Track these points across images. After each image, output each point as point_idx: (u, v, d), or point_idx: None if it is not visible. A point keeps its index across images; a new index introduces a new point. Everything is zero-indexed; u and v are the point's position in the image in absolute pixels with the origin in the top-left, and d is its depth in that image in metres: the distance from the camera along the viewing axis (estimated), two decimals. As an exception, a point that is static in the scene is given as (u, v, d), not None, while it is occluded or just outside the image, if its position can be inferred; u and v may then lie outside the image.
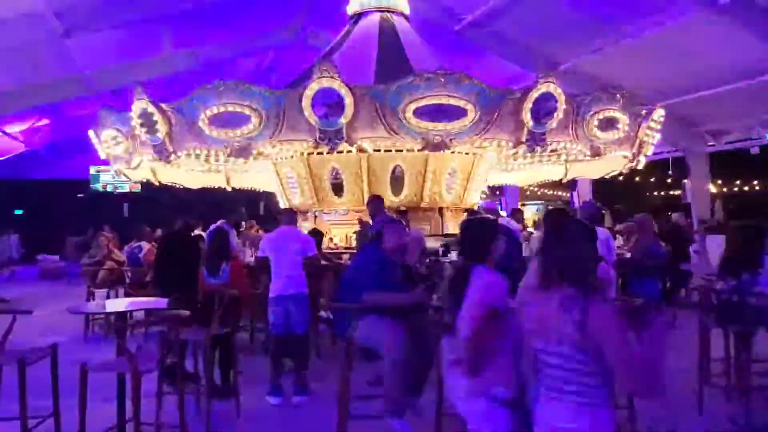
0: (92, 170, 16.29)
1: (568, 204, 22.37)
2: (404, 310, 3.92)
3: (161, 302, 4.20)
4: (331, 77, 6.72)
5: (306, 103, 6.79)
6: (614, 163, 11.35)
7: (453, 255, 8.16)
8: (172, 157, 7.75)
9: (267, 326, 5.61)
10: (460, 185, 10.23)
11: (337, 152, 9.28)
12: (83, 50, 12.78)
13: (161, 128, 7.50)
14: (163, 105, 7.53)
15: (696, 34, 11.54)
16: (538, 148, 7.43)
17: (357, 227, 9.87)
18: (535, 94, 6.99)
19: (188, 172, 11.91)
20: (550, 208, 15.70)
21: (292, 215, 5.69)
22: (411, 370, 3.79)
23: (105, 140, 8.78)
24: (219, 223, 7.10)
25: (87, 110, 16.32)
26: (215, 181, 13.09)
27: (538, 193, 29.74)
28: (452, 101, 6.79)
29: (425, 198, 9.79)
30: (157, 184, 11.46)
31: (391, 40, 10.49)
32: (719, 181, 20.47)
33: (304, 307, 5.15)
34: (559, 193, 30.46)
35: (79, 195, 22.08)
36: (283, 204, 10.95)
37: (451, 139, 7.02)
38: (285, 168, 10.26)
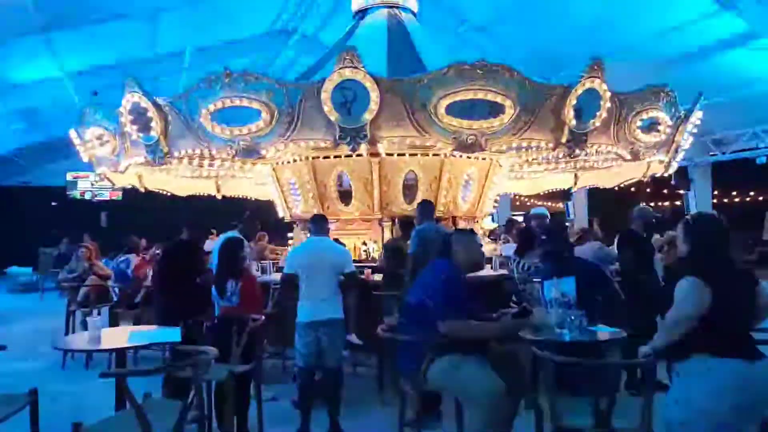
0: (69, 176, 15.17)
1: (563, 214, 21.75)
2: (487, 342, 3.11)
3: (172, 333, 3.32)
4: (355, 68, 5.91)
5: (326, 96, 5.96)
6: (633, 171, 10.74)
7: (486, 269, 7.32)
8: (167, 158, 6.85)
9: (280, 353, 4.74)
10: (476, 193, 9.51)
11: (346, 156, 8.56)
12: (65, 46, 11.85)
13: (156, 125, 6.60)
14: (158, 99, 6.64)
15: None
16: (578, 151, 6.69)
17: (367, 237, 9.12)
18: (579, 90, 6.25)
19: (176, 179, 11.04)
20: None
21: (322, 222, 4.82)
22: (501, 415, 2.96)
23: (89, 140, 7.83)
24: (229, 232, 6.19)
25: (66, 112, 15.33)
26: (205, 188, 12.21)
27: (528, 203, 29.17)
28: (490, 96, 6.02)
29: (440, 206, 8.99)
30: (142, 190, 10.56)
31: (400, 36, 9.73)
32: (715, 192, 20.15)
33: (340, 336, 4.30)
34: (548, 203, 29.95)
35: (53, 203, 20.95)
36: (282, 213, 10.08)
37: (486, 139, 6.25)
38: (286, 173, 9.40)
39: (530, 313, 3.16)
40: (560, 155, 7.60)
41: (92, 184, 15.14)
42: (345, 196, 8.86)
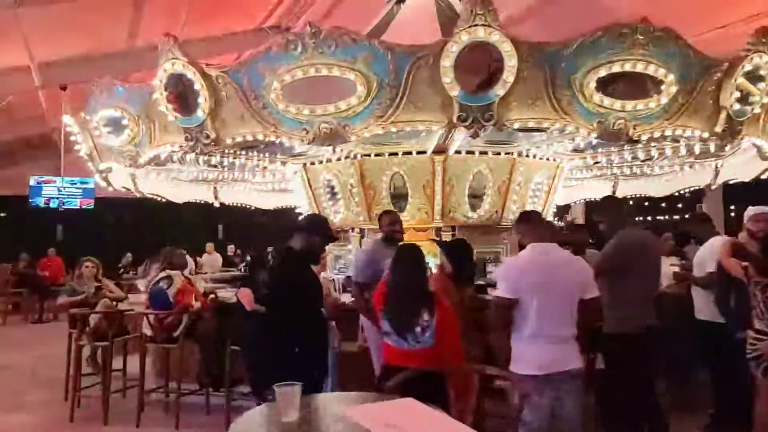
0: (33, 181, 13.11)
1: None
2: None
3: (412, 407, 1.84)
4: (488, 26, 4.52)
5: (447, 65, 4.56)
6: (696, 178, 9.78)
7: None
8: (213, 146, 5.24)
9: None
10: (543, 200, 8.29)
11: (404, 153, 7.24)
12: (36, 29, 9.96)
13: (204, 103, 5.02)
14: (206, 68, 5.07)
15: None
16: (728, 145, 5.50)
17: (424, 250, 7.72)
18: (747, 66, 5.05)
19: (173, 183, 9.43)
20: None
21: (540, 222, 3.32)
22: None
23: (96, 127, 6.13)
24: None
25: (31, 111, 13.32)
26: (202, 194, 10.63)
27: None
28: (650, 69, 4.75)
29: (507, 215, 7.74)
30: (138, 195, 8.92)
31: (451, 19, 8.45)
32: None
33: (581, 393, 2.86)
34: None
35: (1, 214, 19.12)
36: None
37: (635, 125, 4.96)
38: (324, 175, 7.89)
39: None
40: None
41: (59, 191, 13.14)
42: (399, 201, 7.46)
